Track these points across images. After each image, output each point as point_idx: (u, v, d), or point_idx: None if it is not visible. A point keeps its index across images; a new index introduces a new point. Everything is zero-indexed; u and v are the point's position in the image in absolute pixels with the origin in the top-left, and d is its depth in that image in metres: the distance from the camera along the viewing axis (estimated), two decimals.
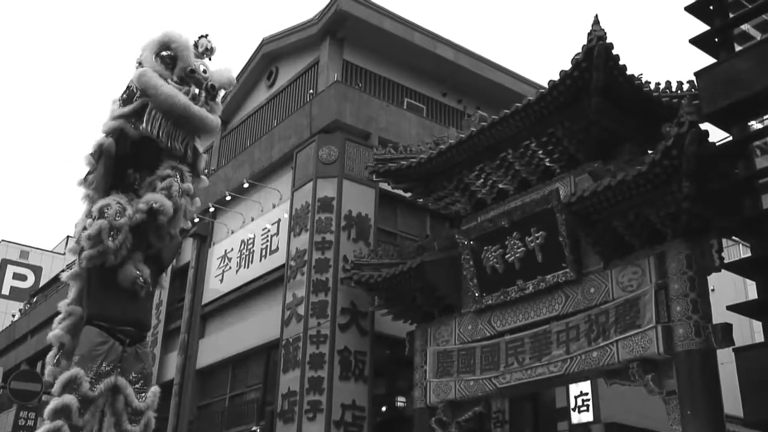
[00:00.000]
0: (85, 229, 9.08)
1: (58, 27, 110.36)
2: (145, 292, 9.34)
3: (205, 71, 9.60)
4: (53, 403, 8.54)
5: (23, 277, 51.19)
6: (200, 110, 9.37)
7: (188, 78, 9.43)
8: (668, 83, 13.34)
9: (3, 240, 54.32)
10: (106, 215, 8.96)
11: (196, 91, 9.41)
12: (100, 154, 9.42)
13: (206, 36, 9.83)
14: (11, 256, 52.49)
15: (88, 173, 9.64)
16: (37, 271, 51.17)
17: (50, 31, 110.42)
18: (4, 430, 30.84)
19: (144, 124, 9.21)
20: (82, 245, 9.06)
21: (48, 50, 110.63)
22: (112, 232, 8.91)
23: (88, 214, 9.21)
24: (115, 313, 9.12)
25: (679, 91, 13.17)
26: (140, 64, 9.57)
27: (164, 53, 9.50)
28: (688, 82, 13.19)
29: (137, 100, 9.37)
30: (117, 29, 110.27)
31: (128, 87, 9.57)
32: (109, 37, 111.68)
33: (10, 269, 52.98)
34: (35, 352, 31.67)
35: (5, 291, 52.88)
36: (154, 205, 9.14)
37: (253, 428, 18.05)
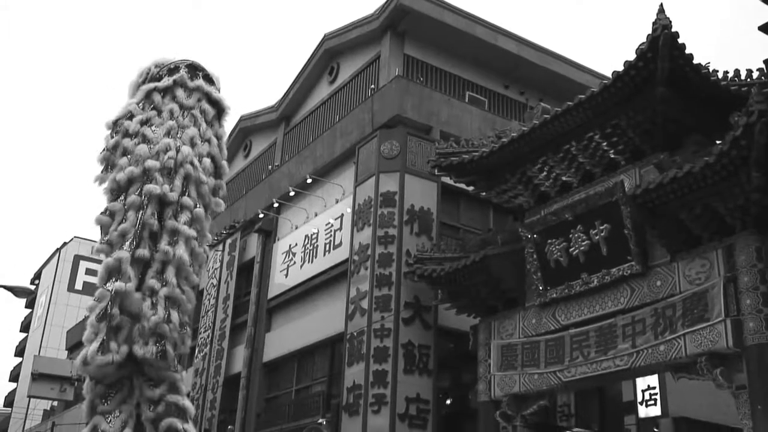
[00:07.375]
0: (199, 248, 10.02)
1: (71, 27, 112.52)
2: None
3: None
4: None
5: (96, 273, 52.48)
6: None
7: None
8: (737, 71, 13.02)
9: (76, 237, 55.97)
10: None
11: None
12: None
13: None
14: (84, 252, 54.06)
15: None
16: None
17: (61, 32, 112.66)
18: (79, 421, 31.79)
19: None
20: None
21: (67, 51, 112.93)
22: None
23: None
24: None
25: (748, 80, 12.86)
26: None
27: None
28: (757, 69, 12.86)
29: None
30: (167, 25, 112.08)
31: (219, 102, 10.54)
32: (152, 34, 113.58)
33: (83, 265, 54.61)
34: None
35: (78, 286, 54.55)
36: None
37: (319, 420, 18.27)
